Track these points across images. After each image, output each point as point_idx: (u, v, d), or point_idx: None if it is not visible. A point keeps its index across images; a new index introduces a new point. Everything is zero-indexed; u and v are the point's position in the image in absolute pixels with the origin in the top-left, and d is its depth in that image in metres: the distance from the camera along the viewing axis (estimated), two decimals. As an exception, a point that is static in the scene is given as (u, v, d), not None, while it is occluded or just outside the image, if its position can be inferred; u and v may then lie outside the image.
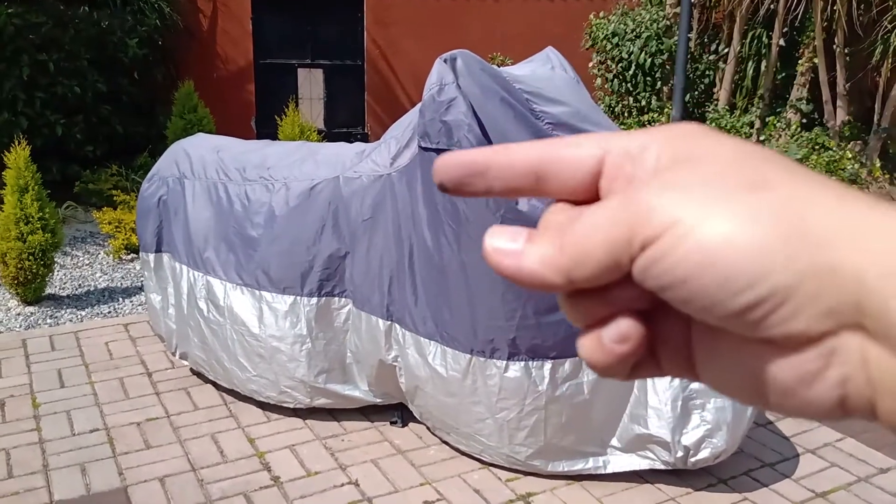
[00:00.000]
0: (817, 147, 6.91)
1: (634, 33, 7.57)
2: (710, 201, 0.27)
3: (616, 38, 7.61)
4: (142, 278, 4.54)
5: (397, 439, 2.92)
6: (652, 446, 2.56)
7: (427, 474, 2.70)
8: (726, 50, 7.71)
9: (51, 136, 6.03)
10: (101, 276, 4.81)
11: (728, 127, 7.47)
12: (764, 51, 7.50)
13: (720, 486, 2.66)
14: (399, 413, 3.01)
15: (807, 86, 7.25)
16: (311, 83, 7.90)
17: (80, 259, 5.12)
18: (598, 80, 7.84)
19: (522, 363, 2.50)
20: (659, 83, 7.75)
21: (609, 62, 7.78)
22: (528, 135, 2.44)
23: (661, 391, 2.51)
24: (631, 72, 7.64)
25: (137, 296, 4.49)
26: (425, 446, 2.88)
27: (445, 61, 2.52)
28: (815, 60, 6.99)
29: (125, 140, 6.56)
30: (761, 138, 7.36)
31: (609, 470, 2.63)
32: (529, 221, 1.91)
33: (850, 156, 6.70)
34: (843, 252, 0.25)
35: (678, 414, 2.49)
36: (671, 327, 0.30)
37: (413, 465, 2.75)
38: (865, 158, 6.86)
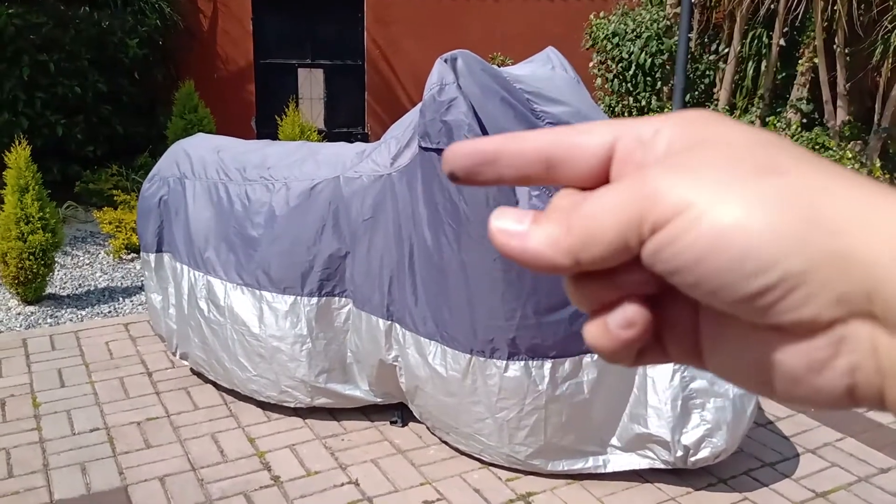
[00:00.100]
0: (817, 147, 6.91)
1: (635, 33, 7.57)
2: (723, 185, 0.26)
3: (616, 38, 7.61)
4: (142, 278, 4.54)
5: (397, 439, 2.92)
6: (652, 445, 2.56)
7: (427, 474, 2.71)
8: (726, 50, 7.71)
9: (51, 137, 6.03)
10: (101, 276, 4.81)
11: (728, 127, 7.44)
12: (764, 51, 7.50)
13: (720, 485, 2.66)
14: (399, 413, 3.01)
15: (807, 86, 7.25)
16: (311, 83, 7.90)
17: (81, 259, 5.13)
18: (599, 80, 7.84)
19: (522, 363, 2.50)
20: (659, 83, 7.75)
21: (609, 62, 7.78)
22: (528, 134, 2.44)
23: (661, 390, 2.51)
24: (631, 72, 7.64)
25: (138, 295, 4.49)
26: (425, 446, 2.88)
27: (446, 61, 2.52)
28: (816, 60, 6.99)
29: (125, 140, 6.56)
30: (761, 138, 7.33)
31: (609, 469, 2.63)
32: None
33: (850, 156, 6.70)
34: (856, 239, 0.25)
35: (678, 413, 2.49)
36: (678, 313, 0.30)
37: (413, 465, 2.76)
38: (866, 158, 6.86)
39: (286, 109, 6.04)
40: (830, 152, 6.79)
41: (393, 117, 6.89)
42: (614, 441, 2.61)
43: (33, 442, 2.88)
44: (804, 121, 7.33)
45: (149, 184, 3.34)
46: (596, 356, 2.51)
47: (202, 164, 3.18)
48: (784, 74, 7.57)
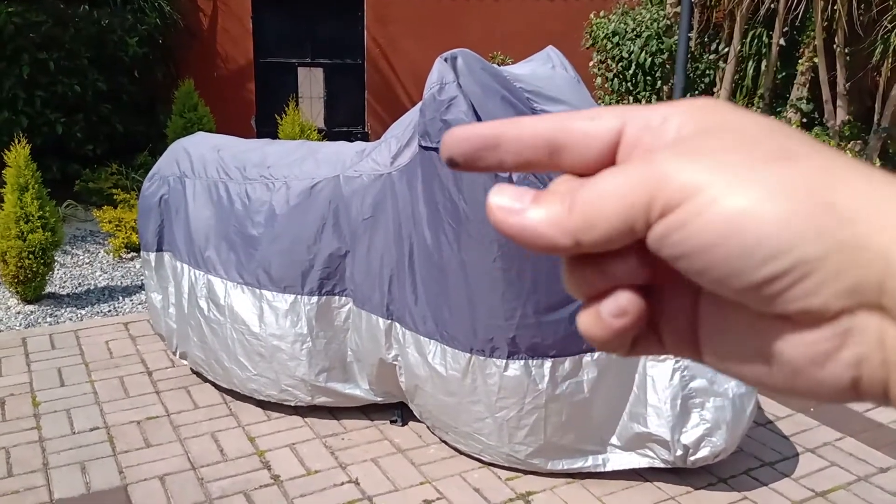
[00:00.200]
0: (817, 146, 6.91)
1: (635, 32, 7.57)
2: (736, 170, 0.26)
3: (616, 38, 7.61)
4: (142, 277, 4.54)
5: (397, 438, 2.92)
6: (651, 445, 2.56)
7: (427, 473, 2.71)
8: (726, 49, 7.71)
9: (51, 135, 6.03)
10: (101, 275, 4.81)
11: (728, 126, 7.44)
12: (764, 50, 7.50)
13: (720, 484, 2.66)
14: (399, 412, 3.01)
15: (807, 85, 7.25)
16: (311, 82, 7.90)
17: (81, 258, 5.12)
18: (599, 80, 7.84)
19: (522, 362, 2.50)
20: (659, 82, 7.75)
21: (609, 61, 7.78)
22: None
23: (660, 389, 2.51)
24: (631, 71, 7.64)
25: (137, 294, 4.49)
26: (425, 445, 2.88)
27: (446, 60, 2.52)
28: (816, 60, 6.99)
29: (125, 139, 6.56)
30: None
31: (609, 468, 2.63)
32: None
33: (850, 155, 6.70)
34: (870, 229, 0.25)
35: (678, 412, 2.49)
36: (674, 302, 0.30)
37: (413, 464, 2.76)
38: (865, 158, 6.86)
39: (286, 108, 6.03)
40: (830, 152, 6.78)
41: (393, 116, 6.89)
42: (614, 440, 2.61)
43: (33, 441, 2.88)
44: (804, 120, 7.33)
45: (149, 183, 3.34)
46: (596, 355, 2.51)
47: (202, 163, 3.18)
48: (784, 74, 7.57)
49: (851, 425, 3.06)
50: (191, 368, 3.40)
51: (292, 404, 3.00)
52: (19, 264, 4.13)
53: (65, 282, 4.69)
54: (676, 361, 2.49)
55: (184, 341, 3.24)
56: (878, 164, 6.81)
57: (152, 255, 3.32)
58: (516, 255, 2.41)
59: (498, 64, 5.66)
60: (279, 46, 7.72)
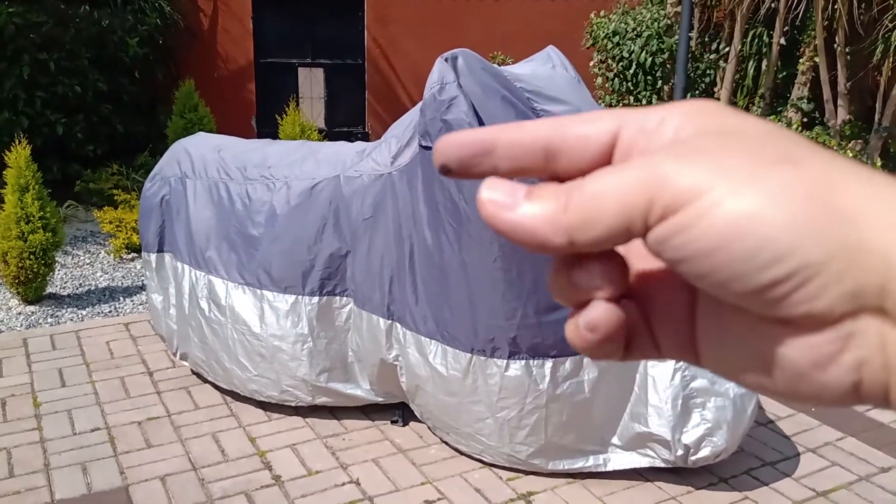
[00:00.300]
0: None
1: (635, 32, 7.57)
2: (739, 173, 0.26)
3: (617, 37, 7.60)
4: (142, 277, 4.55)
5: (398, 438, 2.92)
6: (652, 444, 2.56)
7: (428, 473, 2.71)
8: (727, 49, 7.71)
9: (51, 136, 6.03)
10: (101, 276, 4.81)
11: (729, 126, 7.44)
12: (765, 50, 7.49)
13: (721, 484, 2.66)
14: (400, 412, 3.01)
15: (808, 85, 7.24)
16: (311, 82, 7.90)
17: (81, 258, 5.13)
18: (599, 80, 7.83)
19: (523, 362, 2.50)
20: (660, 82, 7.74)
21: (610, 61, 7.77)
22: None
23: (661, 389, 2.51)
24: (632, 71, 7.64)
25: (138, 295, 4.49)
26: (426, 445, 2.88)
27: (446, 60, 2.52)
28: (816, 59, 6.98)
29: (126, 139, 6.56)
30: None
31: (609, 468, 2.63)
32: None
33: (851, 155, 6.70)
34: (873, 233, 0.25)
35: (679, 412, 2.49)
36: (670, 308, 0.30)
37: (414, 464, 2.76)
38: (866, 157, 6.86)
39: (286, 108, 6.04)
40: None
41: (393, 116, 6.89)
42: (615, 440, 2.61)
43: (34, 442, 2.88)
44: (805, 120, 7.33)
45: (150, 183, 3.34)
46: (597, 355, 2.50)
47: (203, 164, 3.18)
48: (785, 73, 7.57)
49: (852, 425, 3.06)
50: (191, 369, 3.40)
51: (293, 405, 3.00)
52: (20, 265, 4.13)
53: (65, 282, 4.69)
54: (677, 361, 2.49)
55: (184, 342, 3.24)
56: (879, 163, 6.80)
57: (153, 256, 3.32)
58: (517, 255, 2.41)
59: (498, 64, 5.66)
60: (279, 47, 7.72)
